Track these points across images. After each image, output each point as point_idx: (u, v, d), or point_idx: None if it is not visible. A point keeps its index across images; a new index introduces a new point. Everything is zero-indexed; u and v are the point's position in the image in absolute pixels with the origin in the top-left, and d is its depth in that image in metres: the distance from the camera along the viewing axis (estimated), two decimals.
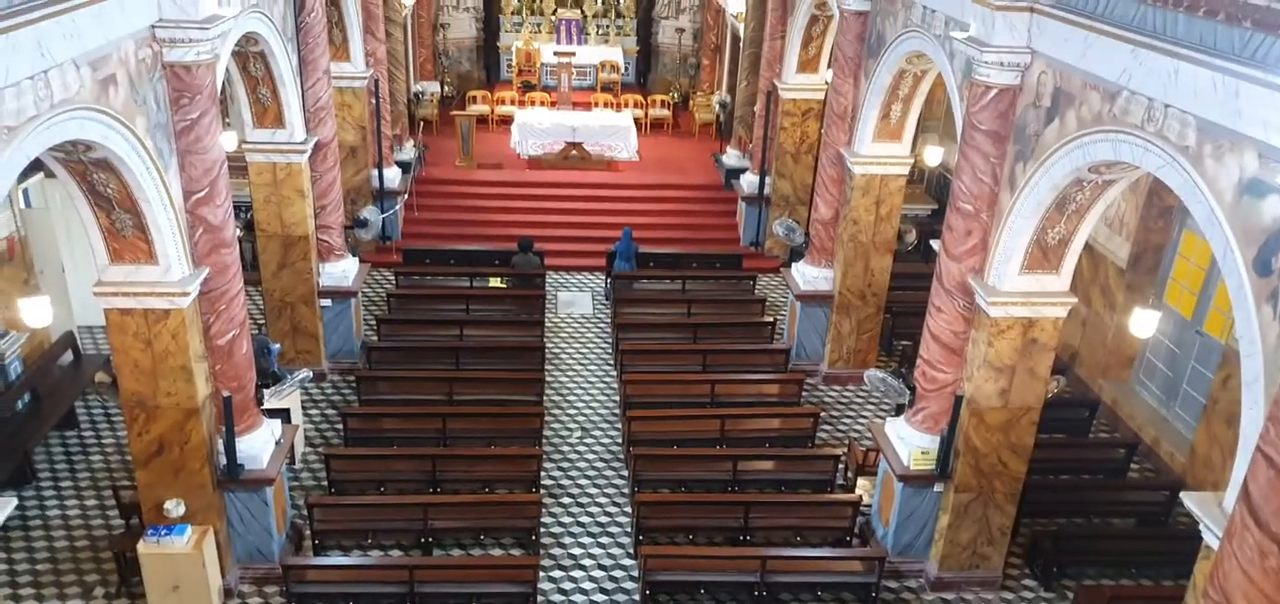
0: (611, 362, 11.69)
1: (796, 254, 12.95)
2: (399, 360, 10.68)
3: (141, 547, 7.16)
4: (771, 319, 11.96)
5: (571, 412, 10.52)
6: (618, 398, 10.80)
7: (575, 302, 13.45)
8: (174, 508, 7.17)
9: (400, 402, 9.90)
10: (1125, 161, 5.71)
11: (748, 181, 14.64)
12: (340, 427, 9.69)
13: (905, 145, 9.92)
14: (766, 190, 14.32)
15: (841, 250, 10.71)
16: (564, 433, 10.10)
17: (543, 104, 17.57)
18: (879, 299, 10.87)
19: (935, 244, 7.77)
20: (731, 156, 15.85)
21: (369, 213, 11.30)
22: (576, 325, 12.69)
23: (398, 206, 13.98)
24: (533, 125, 16.35)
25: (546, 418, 10.17)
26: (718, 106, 17.61)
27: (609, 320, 12.80)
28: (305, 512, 8.36)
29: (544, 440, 9.78)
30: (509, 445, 9.37)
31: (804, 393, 10.78)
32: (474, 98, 18.03)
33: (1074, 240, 6.77)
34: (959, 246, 7.20)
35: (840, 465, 9.35)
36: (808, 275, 11.18)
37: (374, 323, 11.77)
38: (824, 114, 11.61)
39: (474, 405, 9.83)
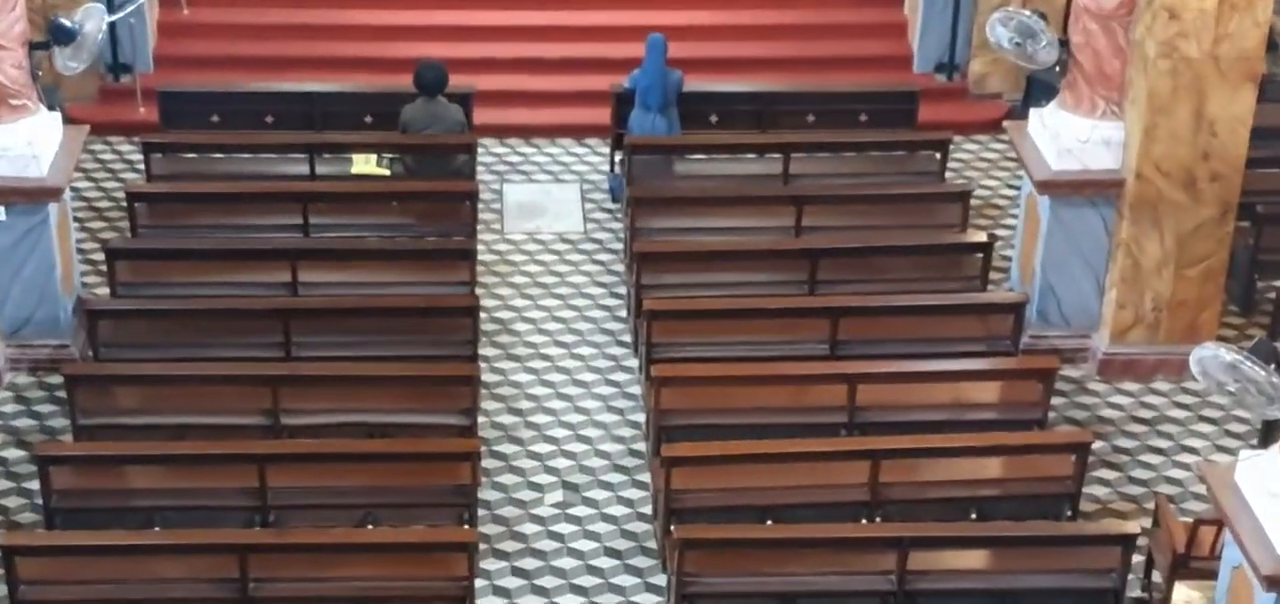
0: (624, 336, 11.72)
1: (1040, 90, 12.79)
2: (156, 338, 10.77)
3: None
4: (985, 236, 11.88)
5: (539, 450, 10.58)
6: (639, 417, 10.83)
7: (543, 205, 13.37)
8: None
9: (162, 430, 10.01)
10: None
11: None
12: (36, 487, 9.76)
13: None
14: None
15: (1142, 80, 10.59)
16: (525, 496, 10.17)
17: None
18: (1226, 189, 10.82)
19: None
20: None
21: (83, 16, 11.28)
22: (547, 258, 12.64)
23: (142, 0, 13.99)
24: None
25: (486, 463, 10.21)
26: None
27: (618, 245, 12.76)
28: None
29: (483, 511, 9.85)
30: (407, 524, 9.47)
31: (1056, 399, 10.74)
32: None
33: None
34: None
35: (1135, 552, 9.26)
36: (1065, 136, 11.09)
37: (102, 258, 11.76)
38: None
39: (326, 437, 9.92)
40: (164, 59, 14.64)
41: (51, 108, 11.10)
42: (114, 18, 12.67)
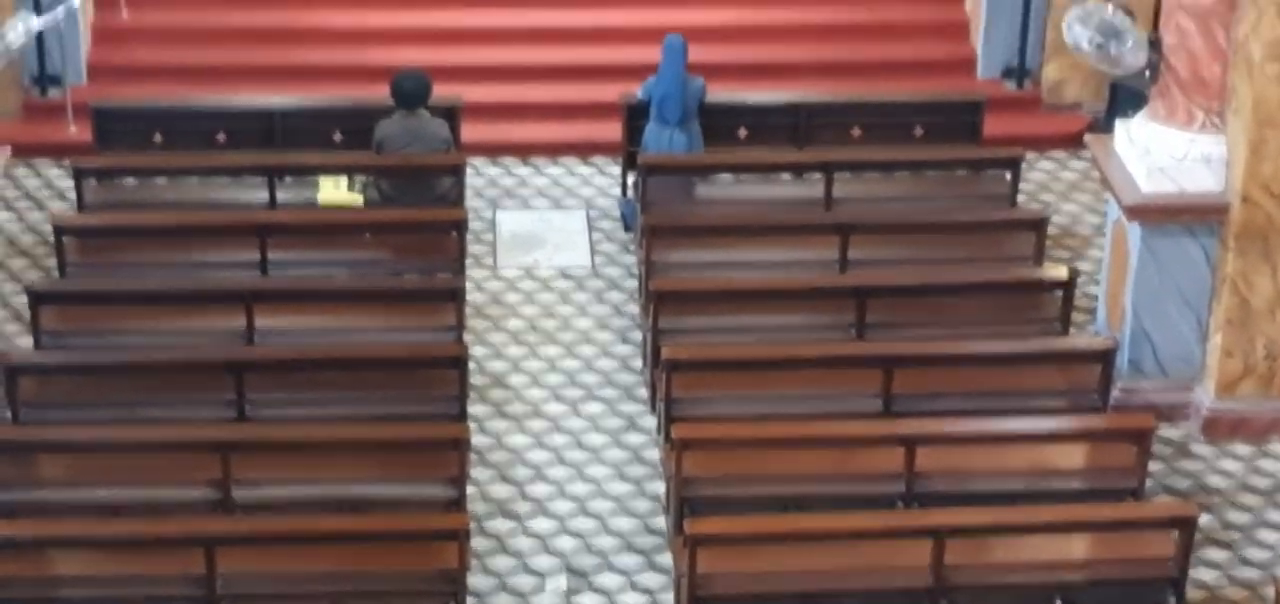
0: (639, 390, 11.72)
1: (1126, 99, 12.66)
2: (86, 397, 10.77)
3: None
4: (1065, 272, 11.83)
5: (539, 527, 10.56)
6: (658, 487, 10.78)
7: (543, 236, 13.39)
8: None
9: (93, 507, 9.94)
10: None
11: None
12: None
13: None
14: None
15: (1246, 87, 10.55)
16: (522, 583, 10.14)
17: None
18: None
19: None
20: None
21: (19, 23, 11.27)
22: (548, 298, 12.66)
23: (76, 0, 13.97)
24: None
25: (476, 543, 10.14)
26: None
27: (631, 282, 12.75)
28: None
29: (472, 600, 9.76)
30: None
31: (1153, 464, 10.61)
32: None
33: None
34: None
35: None
36: (1158, 153, 11.04)
37: (24, 302, 11.67)
38: None
39: (286, 514, 9.89)
40: (99, 69, 14.65)
41: None
42: (42, 21, 12.66)
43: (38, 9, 13.18)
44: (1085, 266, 12.63)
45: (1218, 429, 11.25)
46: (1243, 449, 11.19)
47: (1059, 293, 11.61)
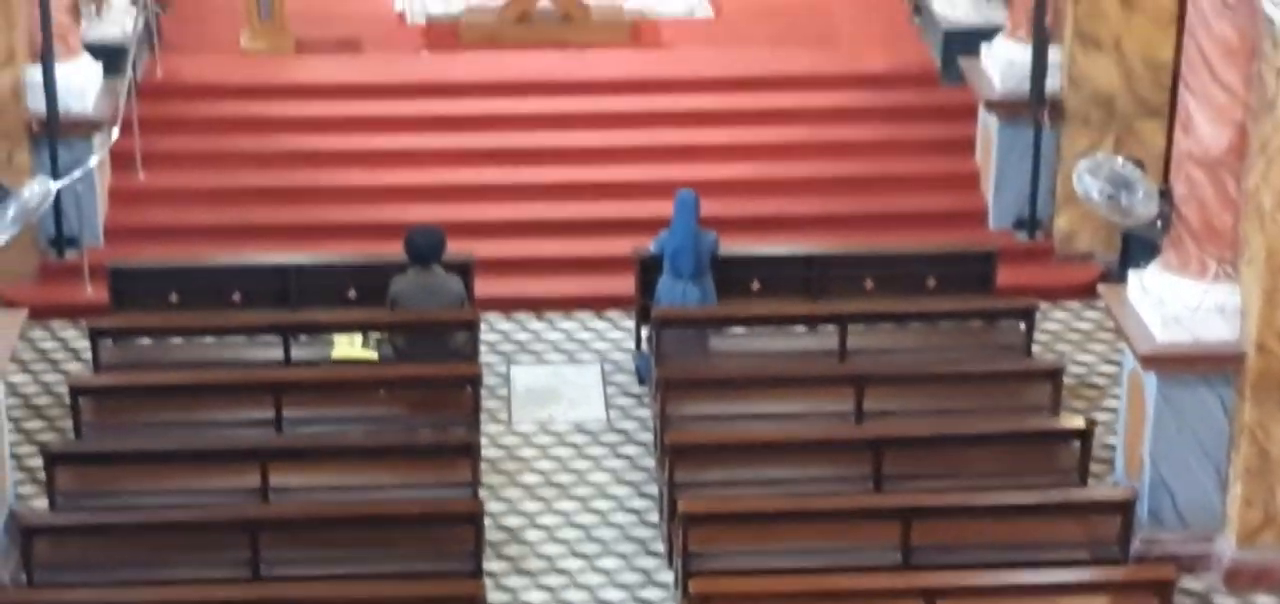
0: (656, 544, 11.66)
1: (1139, 249, 12.66)
2: (101, 559, 10.68)
3: None
4: (1082, 422, 11.78)
5: None
6: None
7: (557, 390, 13.38)
8: None
9: None
10: None
11: (1002, 62, 14.76)
12: None
13: None
14: (1053, 88, 14.40)
15: (1259, 236, 10.57)
16: None
17: None
18: None
19: None
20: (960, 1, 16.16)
21: (37, 186, 11.31)
22: (563, 453, 12.64)
23: (93, 161, 14.05)
24: None
25: None
26: None
27: (647, 436, 12.73)
28: None
29: None
30: None
31: None
32: None
33: None
34: None
35: None
36: (1172, 303, 11.04)
37: (39, 463, 11.69)
38: None
39: None
40: (116, 231, 14.74)
41: None
42: (59, 183, 12.73)
43: (55, 171, 13.28)
44: (1102, 417, 12.58)
45: (1240, 580, 11.12)
46: (1265, 600, 11.07)
47: (1077, 443, 11.55)
